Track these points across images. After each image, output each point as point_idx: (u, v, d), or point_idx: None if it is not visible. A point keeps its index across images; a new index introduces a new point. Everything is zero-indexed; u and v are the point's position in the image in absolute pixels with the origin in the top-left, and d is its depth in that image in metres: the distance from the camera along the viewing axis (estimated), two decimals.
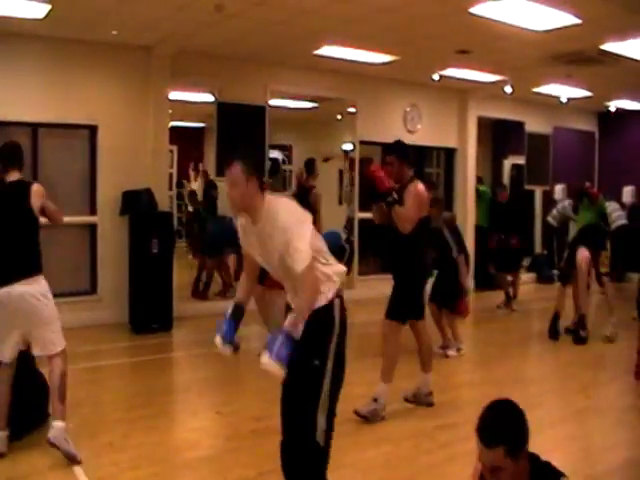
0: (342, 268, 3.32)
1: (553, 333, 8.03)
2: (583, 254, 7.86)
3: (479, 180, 12.83)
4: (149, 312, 7.96)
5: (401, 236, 5.09)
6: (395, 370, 5.19)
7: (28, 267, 4.28)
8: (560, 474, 2.60)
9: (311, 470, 3.17)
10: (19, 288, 4.18)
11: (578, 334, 7.81)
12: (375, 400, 5.07)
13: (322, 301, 3.12)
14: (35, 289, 4.25)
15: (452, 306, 7.24)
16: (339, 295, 3.22)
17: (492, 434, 2.49)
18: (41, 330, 4.29)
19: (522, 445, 2.51)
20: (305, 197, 8.70)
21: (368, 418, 4.99)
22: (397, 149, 5.32)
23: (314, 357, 3.11)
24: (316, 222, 8.23)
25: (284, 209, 3.08)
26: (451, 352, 7.25)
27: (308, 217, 3.09)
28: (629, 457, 3.82)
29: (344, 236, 7.85)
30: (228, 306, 3.29)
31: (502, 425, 2.53)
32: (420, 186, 5.10)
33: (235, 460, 4.13)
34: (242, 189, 3.07)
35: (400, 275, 5.25)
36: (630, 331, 8.15)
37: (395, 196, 4.96)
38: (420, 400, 5.46)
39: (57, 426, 4.21)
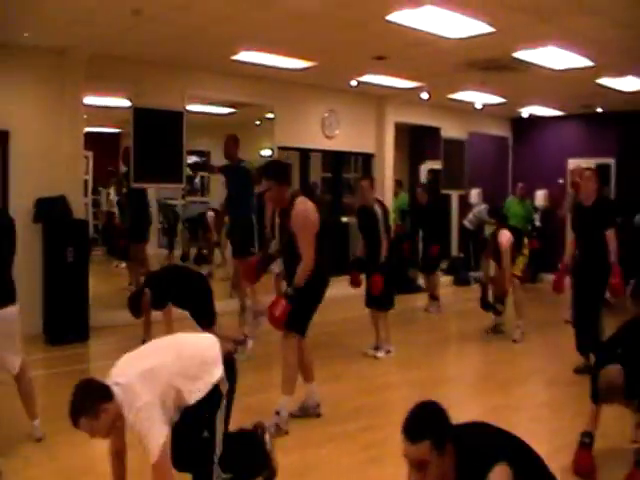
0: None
1: (485, 305, 8.30)
2: (505, 235, 8.00)
3: (399, 184, 13.03)
4: (64, 322, 7.74)
5: (295, 249, 4.96)
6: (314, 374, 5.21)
7: (15, 291, 4.63)
8: (489, 462, 2.68)
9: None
10: (14, 309, 4.55)
11: (495, 308, 8.06)
12: (277, 413, 4.93)
13: (205, 389, 3.37)
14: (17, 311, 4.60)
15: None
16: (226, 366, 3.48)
17: (416, 430, 2.62)
18: (15, 349, 4.63)
19: (445, 439, 2.62)
20: (261, 200, 8.74)
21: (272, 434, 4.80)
22: (273, 172, 5.08)
23: (203, 430, 3.41)
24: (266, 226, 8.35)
25: (130, 414, 3.13)
26: (380, 354, 7.33)
27: (149, 404, 3.14)
28: (544, 451, 3.91)
29: None
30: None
31: (425, 421, 2.67)
32: (302, 205, 4.89)
33: None
34: (98, 426, 3.15)
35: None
36: (543, 331, 8.41)
37: (290, 293, 4.88)
38: (308, 412, 5.31)
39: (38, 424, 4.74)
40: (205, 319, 6.82)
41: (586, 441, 4.28)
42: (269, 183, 5.02)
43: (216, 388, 3.41)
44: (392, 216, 12.05)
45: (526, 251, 8.21)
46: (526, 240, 8.39)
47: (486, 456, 2.74)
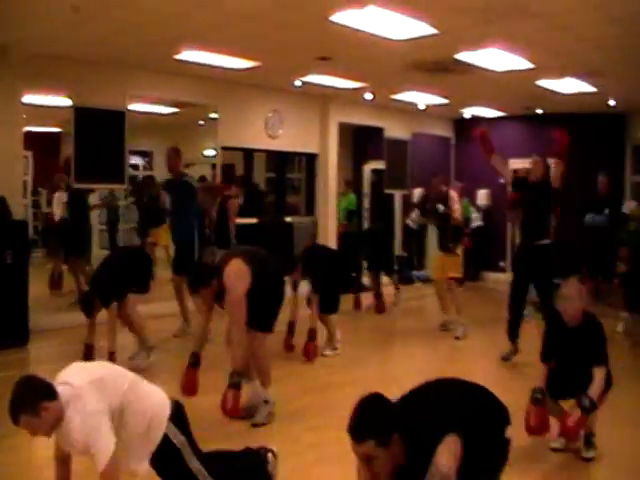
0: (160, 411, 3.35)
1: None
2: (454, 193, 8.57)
3: (349, 184, 13.06)
4: (3, 326, 7.54)
5: None
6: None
7: None
8: (437, 437, 2.72)
9: None
10: None
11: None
12: (266, 402, 5.14)
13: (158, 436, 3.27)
14: None
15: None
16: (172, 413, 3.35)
17: (359, 431, 2.70)
18: None
19: (390, 434, 2.67)
20: (224, 204, 8.67)
21: (265, 423, 5.07)
22: (198, 285, 5.04)
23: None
24: (229, 229, 8.38)
25: (76, 419, 3.02)
26: (327, 352, 7.41)
27: (97, 412, 3.05)
28: None
29: None
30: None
31: (368, 420, 2.74)
32: (234, 292, 4.85)
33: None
34: (39, 425, 3.02)
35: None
36: (484, 328, 8.53)
37: (236, 380, 4.77)
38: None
39: None
40: (141, 289, 6.92)
41: (538, 397, 4.26)
42: (204, 291, 5.01)
43: (168, 444, 3.30)
44: (338, 216, 12.19)
45: (459, 251, 8.40)
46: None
47: (434, 432, 2.78)
